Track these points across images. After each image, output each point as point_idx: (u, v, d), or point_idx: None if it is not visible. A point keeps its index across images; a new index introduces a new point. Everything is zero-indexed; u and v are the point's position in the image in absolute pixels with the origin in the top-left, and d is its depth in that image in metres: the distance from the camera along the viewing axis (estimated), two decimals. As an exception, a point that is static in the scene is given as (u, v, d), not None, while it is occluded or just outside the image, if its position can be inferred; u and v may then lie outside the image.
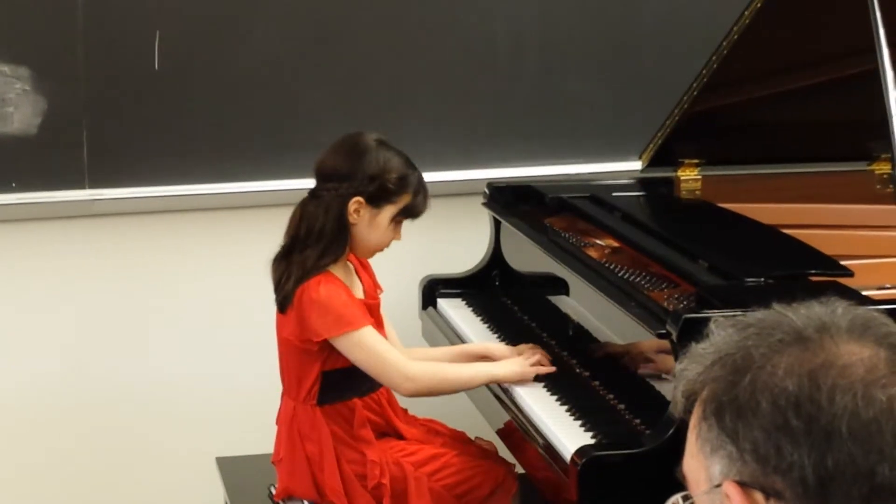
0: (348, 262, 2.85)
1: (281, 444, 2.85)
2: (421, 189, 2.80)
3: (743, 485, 1.06)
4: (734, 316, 1.15)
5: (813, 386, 1.04)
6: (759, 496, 1.06)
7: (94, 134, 3.45)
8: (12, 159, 3.40)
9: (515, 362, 2.82)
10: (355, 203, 2.74)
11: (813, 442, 1.03)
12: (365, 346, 2.70)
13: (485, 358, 2.93)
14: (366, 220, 2.76)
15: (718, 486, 1.08)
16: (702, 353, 1.12)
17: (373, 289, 2.90)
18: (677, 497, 1.14)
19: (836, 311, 1.11)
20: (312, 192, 2.79)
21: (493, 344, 3.04)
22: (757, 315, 1.12)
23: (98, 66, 3.44)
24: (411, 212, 2.80)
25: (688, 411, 1.13)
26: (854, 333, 1.08)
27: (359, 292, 2.83)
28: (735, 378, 1.08)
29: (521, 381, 2.80)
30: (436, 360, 2.95)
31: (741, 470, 1.06)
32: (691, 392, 1.12)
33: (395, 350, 2.76)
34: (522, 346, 2.94)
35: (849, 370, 1.04)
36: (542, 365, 2.82)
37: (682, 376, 1.13)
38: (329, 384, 2.77)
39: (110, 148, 3.48)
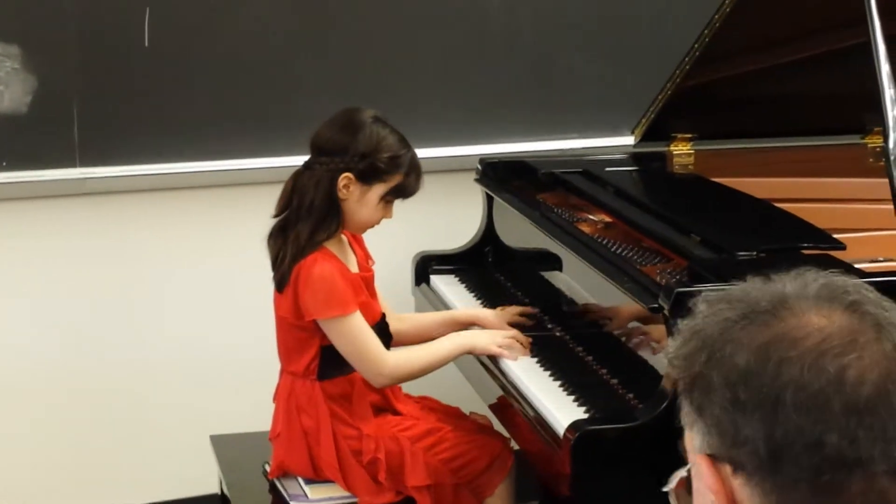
0: (342, 236, 2.85)
1: (278, 420, 2.86)
2: (413, 170, 2.79)
3: (714, 458, 1.08)
4: (722, 290, 1.16)
5: (760, 361, 1.05)
6: (727, 469, 1.07)
7: (85, 112, 3.43)
8: (3, 138, 3.38)
9: (484, 335, 2.86)
10: (344, 179, 2.74)
11: (761, 415, 1.04)
12: (348, 334, 2.72)
13: (472, 326, 2.98)
14: (355, 196, 2.76)
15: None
16: (681, 330, 1.14)
17: (365, 261, 2.91)
18: (682, 470, 1.15)
19: (808, 279, 1.11)
20: (306, 164, 2.80)
21: (481, 311, 3.07)
22: (730, 290, 1.13)
23: (88, 44, 3.42)
24: (402, 191, 2.80)
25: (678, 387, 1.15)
26: (821, 300, 1.08)
27: (353, 266, 2.84)
28: (696, 355, 1.10)
29: (487, 353, 2.84)
30: (424, 327, 3.00)
31: (711, 443, 1.08)
32: (672, 369, 1.14)
33: (376, 342, 2.76)
34: (509, 310, 2.99)
35: (800, 342, 1.05)
36: (514, 348, 2.83)
37: (668, 354, 1.15)
38: (329, 358, 2.78)
39: (101, 126, 3.47)
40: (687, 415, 1.11)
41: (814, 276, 1.11)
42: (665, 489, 1.16)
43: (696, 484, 1.12)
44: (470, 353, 2.86)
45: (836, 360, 1.03)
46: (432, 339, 2.94)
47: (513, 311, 3.03)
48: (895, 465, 1.02)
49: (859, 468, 1.02)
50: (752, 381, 1.05)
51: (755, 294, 1.10)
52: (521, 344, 2.85)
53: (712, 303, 1.12)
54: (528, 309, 3.03)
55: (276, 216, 2.79)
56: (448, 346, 2.84)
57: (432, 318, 3.09)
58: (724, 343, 1.08)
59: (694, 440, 1.11)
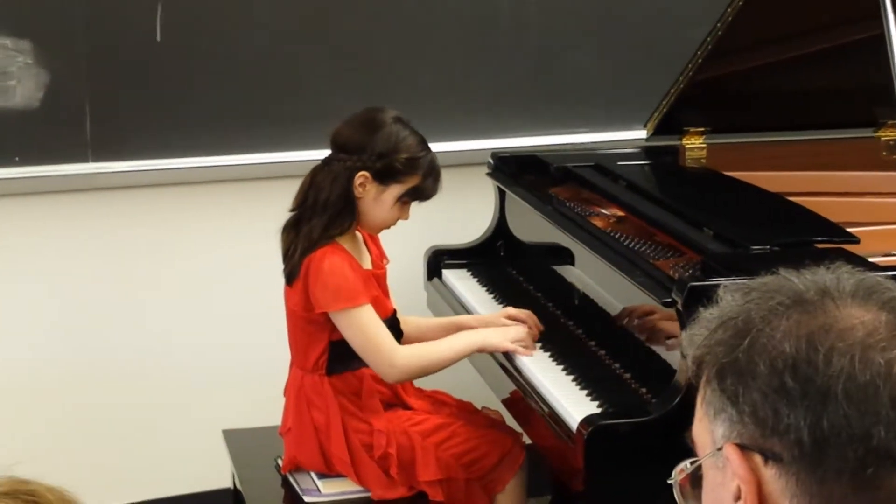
0: (357, 233, 2.84)
1: (289, 415, 2.86)
2: (431, 172, 2.78)
3: (743, 447, 1.07)
4: (730, 284, 1.15)
5: (810, 348, 1.04)
6: (758, 458, 1.06)
7: (97, 107, 3.44)
8: (15, 133, 3.39)
9: (497, 332, 2.83)
10: (361, 177, 2.73)
11: (809, 404, 1.03)
12: (358, 326, 2.71)
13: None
14: (371, 195, 2.76)
15: (720, 449, 1.09)
16: (708, 318, 1.13)
17: (380, 259, 2.91)
18: (685, 462, 1.14)
19: (841, 275, 1.11)
20: (325, 160, 2.80)
21: (486, 316, 3.02)
22: (762, 280, 1.12)
23: (100, 39, 3.42)
24: (419, 194, 2.79)
25: (697, 376, 1.14)
26: (857, 297, 1.08)
27: (367, 262, 2.84)
28: (735, 341, 1.09)
29: (500, 350, 2.82)
30: (426, 331, 2.95)
31: (741, 432, 1.07)
32: (697, 356, 1.13)
33: (387, 335, 2.76)
34: (513, 312, 2.94)
35: (848, 333, 1.04)
36: (526, 344, 2.80)
37: (690, 341, 1.14)
38: (337, 354, 2.78)
39: (113, 121, 3.47)
40: (710, 404, 1.10)
41: (848, 271, 1.11)
42: (670, 482, 1.15)
43: (710, 475, 1.11)
44: (482, 350, 2.85)
45: (883, 354, 1.03)
46: None
47: (520, 313, 2.96)
48: None
49: None
50: (800, 369, 1.04)
51: (797, 284, 1.10)
52: (531, 339, 2.83)
53: (745, 292, 1.11)
54: (535, 319, 2.96)
55: (292, 210, 2.79)
56: (460, 343, 2.82)
57: (436, 322, 3.05)
58: (771, 330, 1.07)
59: (716, 430, 1.09)
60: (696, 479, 1.14)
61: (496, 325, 2.92)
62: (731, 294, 1.13)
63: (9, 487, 1.10)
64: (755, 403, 1.05)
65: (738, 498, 1.07)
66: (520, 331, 2.83)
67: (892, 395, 1.02)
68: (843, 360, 1.03)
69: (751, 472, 1.06)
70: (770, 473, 1.05)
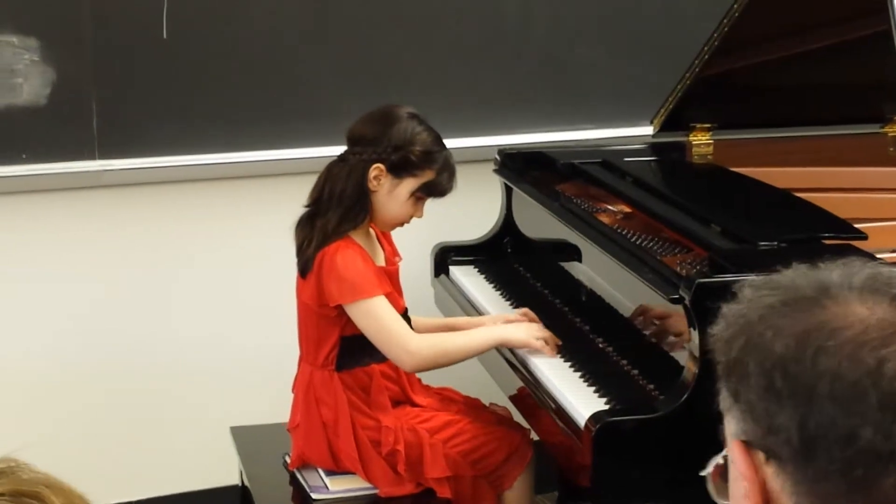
0: (370, 229, 2.84)
1: (297, 411, 2.86)
2: (446, 168, 2.78)
3: (747, 444, 1.07)
4: (754, 279, 1.15)
5: (799, 348, 1.04)
6: (760, 456, 1.07)
7: (104, 104, 3.44)
8: (22, 131, 3.39)
9: (521, 328, 2.81)
10: (376, 169, 2.74)
11: (796, 403, 1.03)
12: (373, 316, 2.71)
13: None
14: (385, 188, 2.76)
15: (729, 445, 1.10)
16: (724, 314, 1.13)
17: (392, 256, 2.91)
18: (718, 457, 1.15)
19: (854, 269, 1.10)
20: (341, 156, 2.80)
21: (480, 318, 3.01)
22: (775, 276, 1.12)
23: (106, 36, 3.42)
24: (434, 189, 2.79)
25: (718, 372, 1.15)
26: (865, 291, 1.07)
27: (380, 259, 2.84)
28: (734, 340, 1.09)
29: (524, 347, 2.78)
30: (423, 332, 2.91)
31: (745, 430, 1.08)
32: (712, 352, 1.13)
33: (403, 324, 2.75)
34: (510, 317, 2.92)
35: (840, 332, 1.03)
36: (548, 343, 2.79)
37: (712, 338, 1.14)
38: (347, 349, 2.78)
39: (120, 118, 3.47)
40: (724, 399, 1.11)
41: (860, 265, 1.10)
42: (703, 474, 1.15)
43: (732, 470, 1.12)
44: (504, 345, 2.83)
45: (875, 352, 1.02)
46: None
47: (512, 315, 2.95)
48: None
49: (894, 463, 1.00)
50: (788, 369, 1.03)
51: (799, 281, 1.09)
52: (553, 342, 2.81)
53: (757, 288, 1.11)
54: (533, 315, 2.95)
55: (307, 206, 2.80)
56: (480, 336, 2.80)
57: (432, 323, 3.04)
58: (764, 329, 1.06)
59: (729, 427, 1.10)
60: (726, 472, 1.14)
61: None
62: (747, 290, 1.13)
63: (12, 487, 1.04)
64: (751, 402, 1.06)
65: (747, 496, 1.07)
66: (543, 328, 2.82)
67: (881, 395, 1.00)
68: (831, 359, 1.02)
69: (753, 470, 1.07)
70: (770, 471, 1.06)
